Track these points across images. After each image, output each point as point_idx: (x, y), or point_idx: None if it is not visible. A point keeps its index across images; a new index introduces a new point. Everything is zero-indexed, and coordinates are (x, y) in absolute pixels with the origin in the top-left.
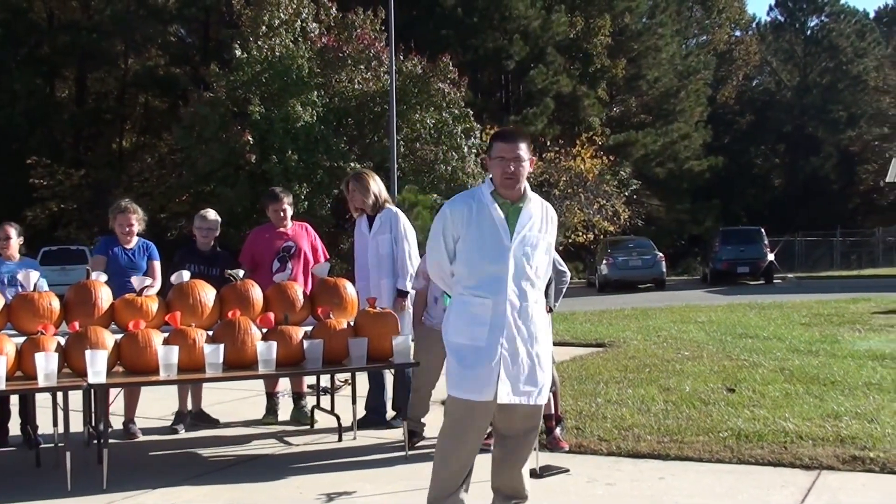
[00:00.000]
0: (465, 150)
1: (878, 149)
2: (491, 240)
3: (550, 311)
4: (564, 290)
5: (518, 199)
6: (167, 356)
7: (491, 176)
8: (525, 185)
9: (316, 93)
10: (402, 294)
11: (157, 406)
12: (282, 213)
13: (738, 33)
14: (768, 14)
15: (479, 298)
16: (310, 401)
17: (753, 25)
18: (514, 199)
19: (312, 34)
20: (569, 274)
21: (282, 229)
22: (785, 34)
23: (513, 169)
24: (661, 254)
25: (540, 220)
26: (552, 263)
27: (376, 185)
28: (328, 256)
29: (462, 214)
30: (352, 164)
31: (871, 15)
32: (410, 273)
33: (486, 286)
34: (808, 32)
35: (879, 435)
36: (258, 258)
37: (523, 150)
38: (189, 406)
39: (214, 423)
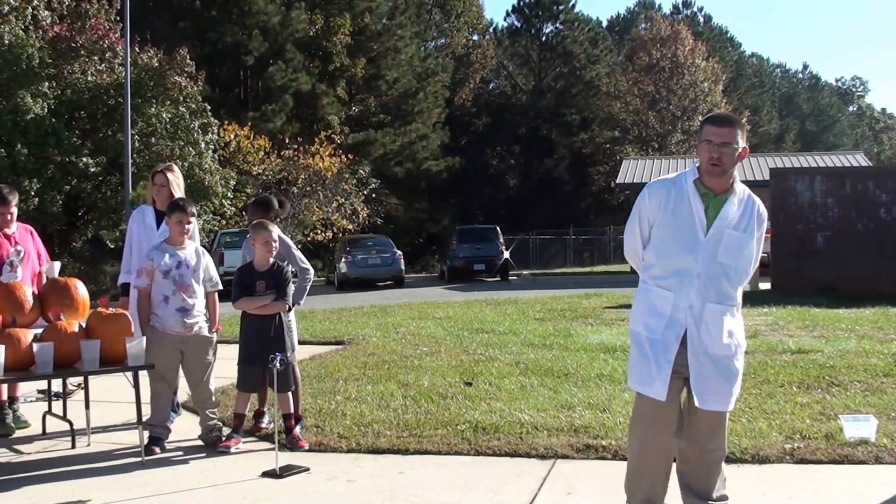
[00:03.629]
0: (203, 145)
1: (609, 151)
2: (685, 230)
3: (290, 308)
4: (308, 287)
5: (724, 190)
6: None
7: (698, 163)
8: (735, 177)
9: (47, 84)
10: None
11: None
12: (9, 216)
13: (475, 37)
14: (505, 20)
15: (663, 290)
16: (40, 406)
17: (490, 30)
18: (718, 190)
19: (44, 22)
20: (312, 271)
21: (8, 231)
22: (521, 39)
23: (717, 155)
24: (399, 252)
25: (744, 216)
26: (748, 266)
27: (182, 185)
28: (50, 261)
29: (660, 198)
30: (84, 160)
31: (604, 24)
32: None
33: (671, 280)
34: (544, 39)
35: (611, 424)
36: None
37: (734, 136)
38: None
39: None
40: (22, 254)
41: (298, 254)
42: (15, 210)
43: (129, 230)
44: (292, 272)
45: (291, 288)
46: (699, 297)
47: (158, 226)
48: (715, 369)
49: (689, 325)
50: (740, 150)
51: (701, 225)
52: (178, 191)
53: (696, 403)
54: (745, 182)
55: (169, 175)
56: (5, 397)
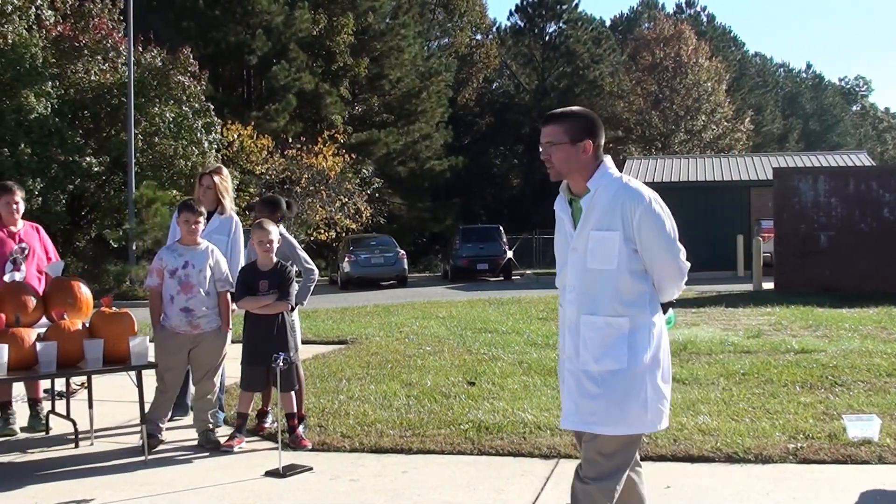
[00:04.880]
0: (206, 145)
1: (613, 151)
2: (560, 241)
3: (293, 308)
4: (312, 287)
5: (583, 192)
6: None
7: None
8: (604, 172)
9: (51, 83)
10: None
11: None
12: (14, 207)
13: (478, 37)
14: (508, 19)
15: (560, 307)
16: (45, 406)
17: (494, 30)
18: (578, 191)
19: (48, 22)
20: (316, 272)
21: (13, 229)
22: (524, 39)
23: (546, 156)
24: (402, 251)
25: (609, 213)
26: (634, 266)
27: (232, 188)
28: (59, 258)
29: (556, 209)
30: (87, 159)
31: (608, 23)
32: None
33: (561, 295)
34: (547, 38)
35: None
36: None
37: (555, 133)
38: None
39: None
40: (27, 251)
41: (303, 254)
42: (21, 203)
43: (171, 229)
44: (296, 272)
45: (294, 287)
46: (574, 310)
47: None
48: (600, 385)
49: (569, 339)
50: (569, 145)
51: (570, 232)
52: (227, 194)
53: (561, 422)
54: (748, 182)
55: (215, 178)
56: (14, 395)
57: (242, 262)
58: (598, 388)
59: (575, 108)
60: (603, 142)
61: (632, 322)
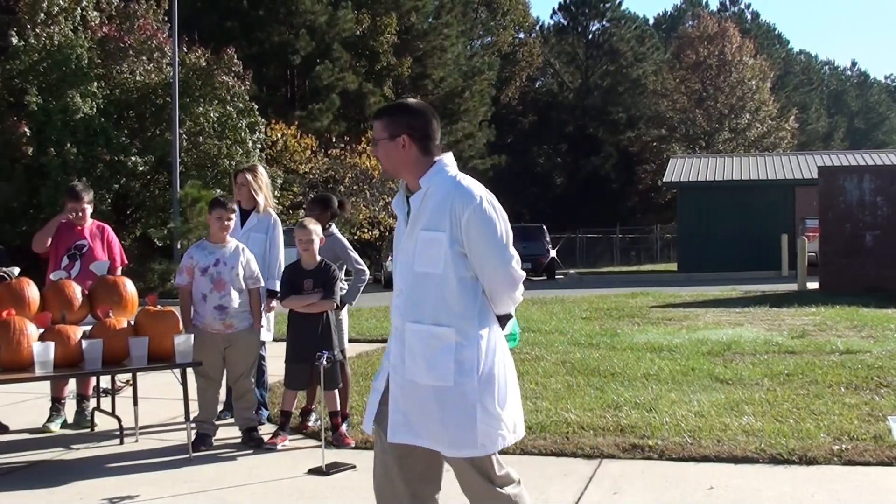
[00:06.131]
0: (250, 144)
1: (656, 149)
2: (395, 241)
3: (339, 307)
4: (362, 288)
5: (416, 189)
6: None
7: None
8: (440, 169)
9: (96, 84)
10: (271, 294)
11: None
12: (81, 214)
13: (521, 35)
14: (551, 17)
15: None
16: (90, 403)
17: (537, 28)
18: (413, 188)
19: (93, 23)
20: (367, 273)
21: (78, 227)
22: (567, 37)
23: (376, 154)
24: None
25: (438, 211)
26: (461, 273)
27: (268, 186)
28: (126, 262)
29: None
30: (133, 158)
31: (650, 21)
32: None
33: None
34: (590, 36)
35: (658, 424)
36: (52, 252)
37: (379, 129)
38: None
39: (4, 430)
40: (85, 249)
41: (355, 255)
42: (88, 207)
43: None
44: (347, 271)
45: (339, 286)
46: (400, 316)
47: (243, 224)
48: (424, 400)
49: (394, 347)
50: (388, 141)
51: (402, 232)
52: (260, 191)
53: (387, 436)
54: (792, 181)
55: (248, 175)
56: (65, 393)
57: (282, 260)
58: (426, 402)
59: (402, 101)
60: (436, 136)
61: (459, 334)
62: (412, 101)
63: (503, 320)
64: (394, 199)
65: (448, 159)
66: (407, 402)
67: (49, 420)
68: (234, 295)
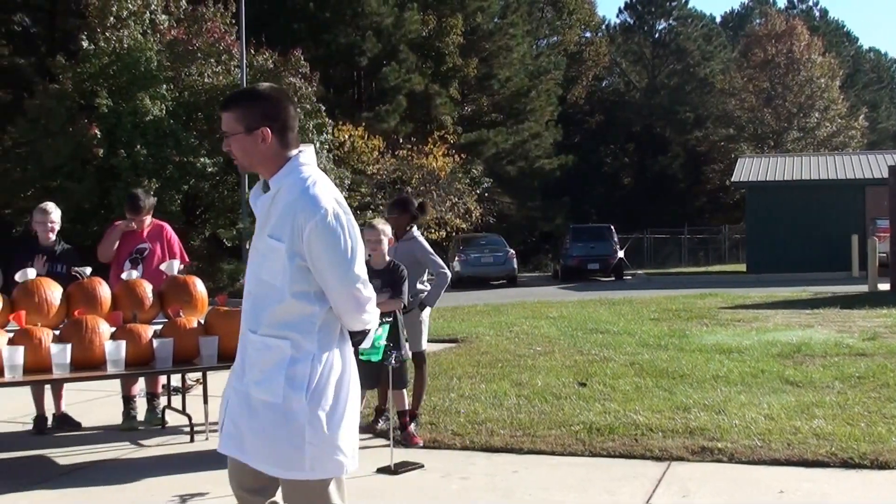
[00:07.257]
0: (318, 145)
1: (724, 149)
2: (253, 238)
3: (421, 309)
4: (443, 290)
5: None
6: (12, 357)
7: None
8: (294, 168)
9: (165, 86)
10: None
11: (11, 405)
12: (135, 225)
13: (587, 34)
14: (618, 16)
15: None
16: (161, 401)
17: (603, 27)
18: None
19: (162, 26)
20: (449, 275)
21: (138, 230)
22: (634, 36)
23: (225, 148)
24: (512, 251)
25: (284, 218)
26: (301, 287)
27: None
28: (188, 260)
29: None
30: (202, 160)
31: (718, 19)
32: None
33: None
34: (657, 35)
35: (727, 426)
36: (114, 256)
37: (226, 122)
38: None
39: (77, 427)
40: (146, 252)
41: (436, 258)
42: (148, 219)
43: None
44: (429, 273)
45: (406, 286)
46: (245, 323)
47: None
48: (253, 414)
49: (238, 354)
50: (244, 134)
51: (257, 229)
52: None
53: (218, 446)
54: (863, 181)
55: None
56: (135, 392)
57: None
58: (255, 417)
59: (255, 87)
60: (294, 126)
61: (294, 348)
62: (265, 85)
63: (358, 335)
64: (251, 192)
65: (306, 155)
66: (240, 412)
67: (129, 418)
68: None
